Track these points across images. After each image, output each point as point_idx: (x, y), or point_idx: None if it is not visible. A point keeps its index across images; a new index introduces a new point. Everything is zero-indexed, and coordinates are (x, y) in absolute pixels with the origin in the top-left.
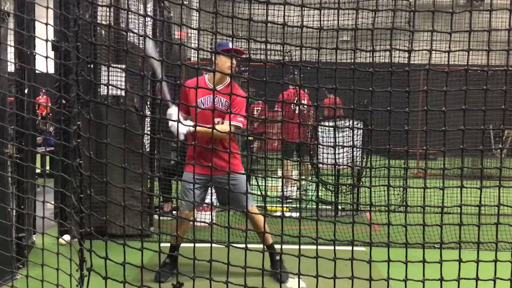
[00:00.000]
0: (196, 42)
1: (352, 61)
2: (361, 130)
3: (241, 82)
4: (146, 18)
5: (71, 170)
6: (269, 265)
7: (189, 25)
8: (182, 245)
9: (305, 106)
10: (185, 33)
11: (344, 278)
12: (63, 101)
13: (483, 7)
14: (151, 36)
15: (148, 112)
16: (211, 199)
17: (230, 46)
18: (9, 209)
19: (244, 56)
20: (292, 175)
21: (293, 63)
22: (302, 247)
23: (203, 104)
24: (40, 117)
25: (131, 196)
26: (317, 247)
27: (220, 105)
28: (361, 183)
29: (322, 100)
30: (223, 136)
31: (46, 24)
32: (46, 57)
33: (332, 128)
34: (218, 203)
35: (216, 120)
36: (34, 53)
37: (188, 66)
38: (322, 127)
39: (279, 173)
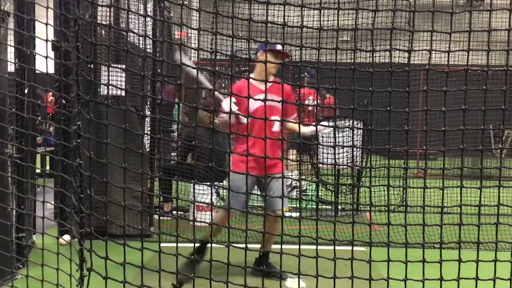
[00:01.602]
0: (196, 42)
1: (352, 61)
2: (361, 130)
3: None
4: (146, 18)
5: (71, 170)
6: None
7: (189, 25)
8: (182, 245)
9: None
10: (185, 33)
11: (344, 278)
12: (63, 101)
13: (483, 7)
14: (151, 36)
15: (148, 112)
16: (211, 199)
17: (279, 47)
18: (9, 209)
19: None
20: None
21: (293, 63)
22: (302, 247)
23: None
24: (39, 118)
25: (131, 196)
26: (317, 247)
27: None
28: (361, 183)
29: (322, 100)
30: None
31: (46, 24)
32: (46, 57)
33: (332, 128)
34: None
35: (273, 117)
36: (34, 53)
37: (188, 66)
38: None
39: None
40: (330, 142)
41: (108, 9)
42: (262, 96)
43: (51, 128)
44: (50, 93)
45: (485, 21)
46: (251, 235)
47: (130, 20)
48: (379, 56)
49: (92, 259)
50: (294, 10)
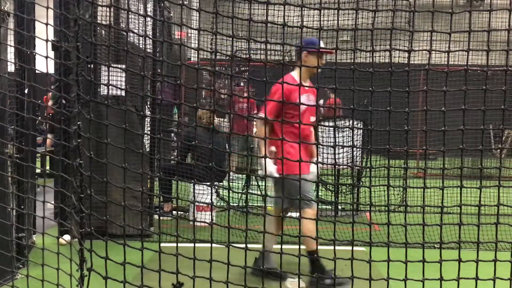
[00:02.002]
0: (196, 42)
1: (352, 61)
2: (361, 130)
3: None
4: (146, 18)
5: (71, 170)
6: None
7: (189, 25)
8: (182, 245)
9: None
10: (185, 33)
11: (344, 278)
12: (63, 101)
13: (483, 7)
14: (151, 36)
15: (148, 112)
16: (211, 199)
17: (322, 44)
18: (9, 209)
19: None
20: None
21: (293, 63)
22: (302, 247)
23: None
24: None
25: (131, 196)
26: (317, 247)
27: (312, 103)
28: (361, 183)
29: (324, 100)
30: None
31: (46, 24)
32: (46, 57)
33: (332, 128)
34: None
35: (312, 119)
36: (34, 53)
37: (188, 66)
38: (322, 127)
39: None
40: (330, 142)
41: (108, 9)
42: (306, 96)
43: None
44: (50, 93)
45: (485, 21)
46: (250, 235)
47: (130, 20)
48: (379, 56)
49: (92, 259)
50: (294, 10)
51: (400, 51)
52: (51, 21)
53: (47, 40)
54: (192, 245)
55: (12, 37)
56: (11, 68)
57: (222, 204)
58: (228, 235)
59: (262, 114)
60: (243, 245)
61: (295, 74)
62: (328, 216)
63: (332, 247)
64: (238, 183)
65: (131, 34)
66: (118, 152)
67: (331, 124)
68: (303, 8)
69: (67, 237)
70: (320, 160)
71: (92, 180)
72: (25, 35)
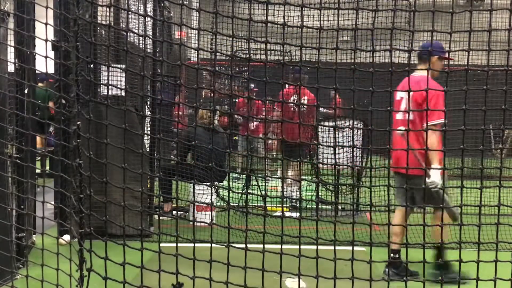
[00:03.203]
0: (196, 42)
1: (352, 61)
2: (361, 130)
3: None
4: (146, 18)
5: (71, 170)
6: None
7: (189, 25)
8: (182, 245)
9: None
10: (185, 33)
11: (344, 278)
12: (63, 101)
13: (483, 7)
14: (151, 36)
15: (148, 112)
16: (211, 199)
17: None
18: (9, 209)
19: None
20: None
21: (293, 63)
22: (302, 247)
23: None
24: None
25: (131, 196)
26: (317, 247)
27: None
28: (361, 183)
29: (329, 100)
30: None
31: (46, 24)
32: (46, 57)
33: (332, 128)
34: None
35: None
36: (34, 53)
37: (188, 66)
38: (322, 127)
39: (279, 173)
40: (330, 142)
41: (108, 9)
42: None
43: (51, 128)
44: None
45: (485, 21)
46: (250, 235)
47: (130, 20)
48: (379, 56)
49: (92, 259)
50: (294, 10)
51: (400, 51)
52: (50, 21)
53: (46, 40)
54: (192, 245)
55: (12, 37)
56: (11, 68)
57: (222, 204)
58: (228, 235)
59: (437, 121)
60: (243, 245)
61: (426, 73)
62: (328, 216)
63: (332, 247)
64: (238, 183)
65: (131, 34)
66: (118, 152)
67: (331, 124)
68: (303, 8)
69: (66, 237)
70: (319, 160)
71: (91, 180)
72: (25, 35)
